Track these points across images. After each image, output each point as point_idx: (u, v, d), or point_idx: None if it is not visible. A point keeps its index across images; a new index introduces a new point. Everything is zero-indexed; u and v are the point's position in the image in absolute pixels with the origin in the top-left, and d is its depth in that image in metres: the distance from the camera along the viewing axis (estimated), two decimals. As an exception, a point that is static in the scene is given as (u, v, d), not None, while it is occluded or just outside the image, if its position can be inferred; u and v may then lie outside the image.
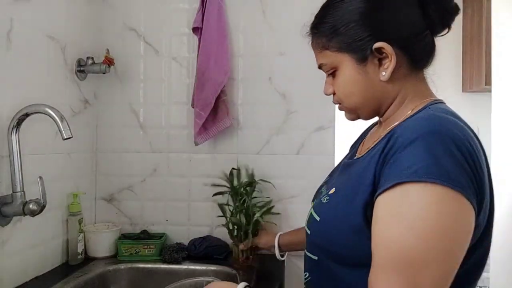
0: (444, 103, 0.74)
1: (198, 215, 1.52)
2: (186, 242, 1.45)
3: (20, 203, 0.99)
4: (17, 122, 0.99)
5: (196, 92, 1.43)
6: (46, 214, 1.09)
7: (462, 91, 2.82)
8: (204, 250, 1.38)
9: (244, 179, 1.44)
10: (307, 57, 1.49)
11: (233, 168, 1.45)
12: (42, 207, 1.01)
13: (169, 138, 1.53)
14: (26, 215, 1.00)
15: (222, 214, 1.36)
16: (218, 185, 1.43)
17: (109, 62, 1.40)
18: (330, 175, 0.92)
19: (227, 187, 1.40)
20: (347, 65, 0.71)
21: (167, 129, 1.53)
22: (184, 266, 1.33)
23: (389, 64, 0.68)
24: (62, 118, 0.98)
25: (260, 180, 1.43)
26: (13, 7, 1.05)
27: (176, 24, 1.53)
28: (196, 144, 1.45)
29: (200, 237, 1.45)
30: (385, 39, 0.68)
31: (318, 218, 0.74)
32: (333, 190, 0.74)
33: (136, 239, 1.41)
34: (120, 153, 1.53)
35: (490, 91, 1.81)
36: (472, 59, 2.68)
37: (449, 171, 0.56)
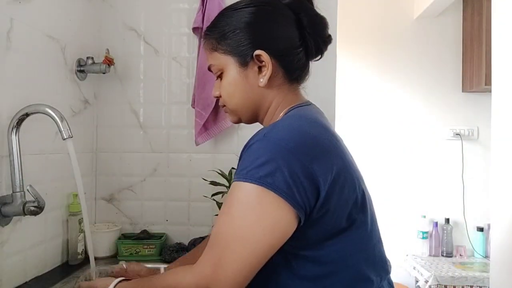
0: (307, 105, 0.83)
1: (198, 215, 1.52)
2: (186, 242, 1.45)
3: (20, 203, 0.99)
4: (17, 122, 0.99)
5: (196, 92, 1.43)
6: (46, 214, 1.09)
7: (462, 91, 2.83)
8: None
9: None
10: (307, 57, 1.49)
11: (232, 168, 1.43)
12: (41, 207, 1.01)
13: (169, 138, 1.53)
14: (26, 215, 1.00)
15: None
16: (217, 184, 1.41)
17: (109, 62, 1.40)
18: None
19: (225, 186, 1.38)
20: (231, 68, 0.80)
21: (167, 129, 1.53)
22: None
23: (266, 71, 0.78)
24: (62, 118, 0.98)
25: None
26: (13, 7, 1.05)
27: (176, 24, 1.53)
28: (197, 144, 1.45)
29: (200, 237, 1.45)
30: (264, 48, 0.77)
31: None
32: None
33: (136, 239, 1.41)
34: (120, 153, 1.53)
35: (490, 91, 1.81)
36: (472, 59, 2.69)
37: (263, 171, 0.66)
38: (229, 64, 0.80)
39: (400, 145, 2.88)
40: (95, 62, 1.40)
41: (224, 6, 1.47)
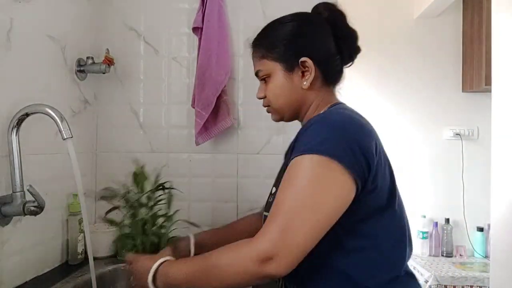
0: (344, 104, 0.95)
1: (198, 215, 1.51)
2: (186, 242, 1.45)
3: (20, 203, 0.99)
4: (17, 122, 0.99)
5: (196, 92, 1.43)
6: (46, 214, 1.09)
7: (462, 91, 2.82)
8: (205, 250, 1.38)
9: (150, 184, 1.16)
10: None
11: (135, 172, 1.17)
12: (41, 207, 1.01)
13: (169, 138, 1.53)
14: (26, 215, 1.00)
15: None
16: (107, 197, 1.17)
17: (109, 62, 1.40)
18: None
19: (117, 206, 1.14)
20: (278, 73, 0.91)
21: (167, 129, 1.53)
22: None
23: (309, 76, 0.89)
24: (62, 118, 0.98)
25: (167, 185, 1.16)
26: (13, 7, 1.05)
27: (176, 24, 1.53)
28: (197, 144, 1.45)
29: (200, 237, 1.44)
30: (308, 56, 0.89)
31: None
32: (273, 189, 0.92)
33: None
34: (120, 153, 1.53)
35: (490, 91, 1.81)
36: (472, 59, 2.69)
37: (325, 144, 0.74)
38: (277, 70, 0.91)
39: (400, 145, 2.88)
40: (95, 62, 1.40)
41: (224, 6, 1.48)
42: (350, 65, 0.99)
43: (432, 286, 2.36)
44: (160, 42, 1.53)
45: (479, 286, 2.35)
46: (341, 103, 0.95)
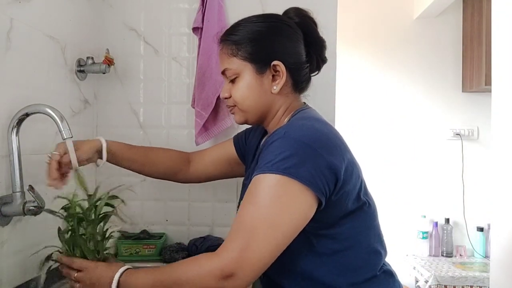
0: (308, 108, 0.94)
1: (198, 215, 1.52)
2: (186, 242, 1.45)
3: (20, 203, 0.99)
4: (17, 122, 0.99)
5: (196, 91, 1.43)
6: (46, 214, 1.09)
7: (462, 91, 2.83)
8: (205, 250, 1.38)
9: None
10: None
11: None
12: (41, 207, 1.01)
13: (169, 138, 1.53)
14: (26, 215, 1.00)
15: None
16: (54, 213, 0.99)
17: (109, 62, 1.40)
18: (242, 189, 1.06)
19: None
20: (248, 73, 0.89)
21: (167, 129, 1.53)
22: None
23: (280, 80, 0.89)
24: (62, 118, 0.98)
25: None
26: (13, 7, 1.05)
27: (176, 24, 1.53)
28: (197, 144, 1.45)
29: (201, 237, 1.45)
30: (281, 60, 0.88)
31: None
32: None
33: (136, 239, 1.41)
34: (120, 153, 1.53)
35: (490, 91, 1.81)
36: (472, 59, 2.69)
37: (287, 163, 0.75)
38: (246, 70, 0.89)
39: (400, 145, 2.88)
40: (95, 62, 1.40)
41: (224, 6, 1.48)
42: (316, 74, 0.99)
43: (432, 286, 2.37)
44: (160, 42, 1.53)
45: (479, 286, 2.35)
46: (304, 108, 0.94)
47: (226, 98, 0.95)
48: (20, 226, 1.08)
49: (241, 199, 0.94)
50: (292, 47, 0.90)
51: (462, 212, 2.80)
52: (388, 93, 2.91)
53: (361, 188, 0.85)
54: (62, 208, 0.98)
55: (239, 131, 1.50)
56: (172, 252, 1.35)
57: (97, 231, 0.96)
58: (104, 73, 1.40)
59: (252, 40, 0.88)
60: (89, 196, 0.98)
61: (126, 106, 1.53)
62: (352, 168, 0.82)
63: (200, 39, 1.44)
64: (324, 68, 1.48)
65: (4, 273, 1.02)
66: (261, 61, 0.88)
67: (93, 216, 0.96)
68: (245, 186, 0.97)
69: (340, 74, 1.73)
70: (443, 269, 2.47)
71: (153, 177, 1.25)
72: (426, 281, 2.40)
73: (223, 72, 0.93)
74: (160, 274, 0.81)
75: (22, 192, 1.00)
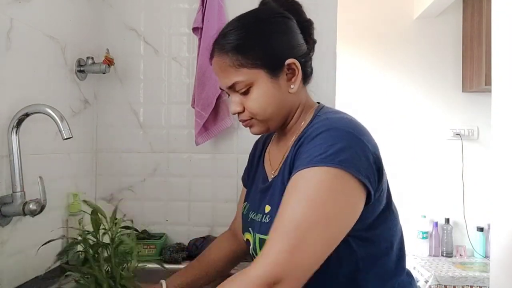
0: (324, 105, 0.89)
1: (198, 215, 1.52)
2: (186, 242, 1.45)
3: (20, 203, 0.99)
4: (17, 122, 0.99)
5: (196, 92, 1.43)
6: (46, 214, 1.09)
7: (462, 91, 2.83)
8: (204, 250, 1.38)
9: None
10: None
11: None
12: (42, 207, 1.01)
13: (169, 138, 1.53)
14: (26, 215, 1.00)
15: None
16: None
17: (109, 62, 1.40)
18: (248, 202, 0.96)
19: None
20: (263, 80, 0.80)
21: (167, 129, 1.53)
22: (184, 266, 1.33)
23: (296, 78, 0.82)
24: (62, 118, 0.98)
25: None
26: (13, 7, 1.05)
27: (176, 24, 1.53)
28: (197, 144, 1.45)
29: (201, 237, 1.45)
30: (293, 56, 0.81)
31: None
32: (268, 208, 0.82)
33: (136, 239, 1.41)
34: (120, 153, 1.53)
35: (490, 91, 1.81)
36: (472, 59, 2.69)
37: (341, 155, 0.68)
38: (260, 77, 0.80)
39: (400, 145, 2.88)
40: (95, 62, 1.40)
41: (224, 6, 1.48)
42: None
43: (432, 286, 2.37)
44: (160, 42, 1.53)
45: (479, 286, 2.35)
46: (322, 104, 0.89)
47: (237, 113, 0.85)
48: (20, 226, 1.08)
49: (254, 206, 0.89)
50: (295, 39, 0.83)
51: (462, 212, 2.80)
52: (388, 93, 2.91)
53: (388, 186, 0.81)
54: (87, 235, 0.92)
55: (239, 131, 1.50)
56: (172, 252, 1.35)
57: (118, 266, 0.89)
58: (104, 73, 1.40)
59: (258, 43, 0.79)
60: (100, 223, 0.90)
61: (126, 106, 1.53)
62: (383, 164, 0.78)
63: (200, 39, 1.44)
64: (324, 68, 1.49)
65: (4, 273, 1.02)
66: (274, 64, 0.80)
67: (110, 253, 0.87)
68: (264, 191, 0.88)
69: (340, 74, 1.73)
70: (443, 269, 2.47)
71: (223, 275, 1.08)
72: (426, 281, 2.40)
73: (230, 87, 0.82)
74: None
75: (22, 192, 1.00)
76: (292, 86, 0.82)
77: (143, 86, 1.53)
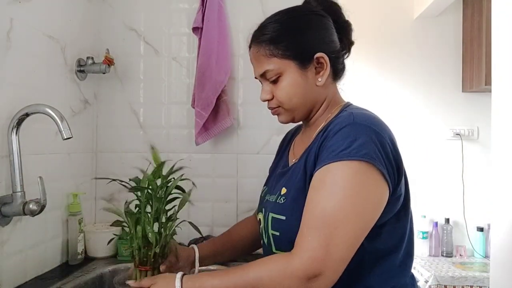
0: (351, 103, 0.92)
1: (198, 215, 1.51)
2: (186, 242, 1.45)
3: (20, 203, 0.99)
4: (17, 122, 0.99)
5: (196, 92, 1.43)
6: (46, 214, 1.09)
7: (462, 91, 2.83)
8: (204, 250, 1.38)
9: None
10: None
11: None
12: (42, 207, 1.01)
13: (169, 138, 1.53)
14: (26, 215, 1.00)
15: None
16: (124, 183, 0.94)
17: (109, 62, 1.39)
18: (267, 186, 1.01)
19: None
20: (292, 71, 0.84)
21: (167, 129, 1.53)
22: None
23: (324, 72, 0.85)
24: (62, 118, 0.98)
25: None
26: (13, 7, 1.05)
27: (176, 24, 1.53)
28: (197, 144, 1.45)
29: (201, 237, 1.44)
30: (322, 51, 0.85)
31: (283, 217, 0.83)
32: (284, 190, 0.86)
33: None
34: (120, 153, 1.53)
35: (490, 91, 1.81)
36: (472, 59, 2.69)
37: (365, 149, 0.71)
38: (289, 67, 0.84)
39: (400, 145, 2.88)
40: (95, 62, 1.40)
41: (224, 6, 1.48)
42: (347, 57, 0.97)
43: (432, 286, 2.37)
44: (160, 42, 1.53)
45: (479, 286, 2.35)
46: (350, 103, 0.92)
47: (267, 101, 0.90)
48: (20, 226, 1.08)
49: (272, 189, 0.92)
50: (328, 36, 0.87)
51: (462, 212, 2.80)
52: (388, 93, 2.91)
53: (407, 185, 0.83)
54: (131, 180, 0.94)
55: (239, 131, 1.50)
56: (172, 252, 1.35)
57: (164, 212, 0.92)
58: (104, 73, 1.40)
59: (291, 36, 0.84)
60: (162, 175, 0.92)
61: (126, 106, 1.53)
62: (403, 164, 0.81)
63: (200, 39, 1.44)
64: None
65: (4, 273, 1.02)
66: (304, 56, 0.84)
67: (163, 195, 0.92)
68: (282, 175, 0.91)
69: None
70: (443, 269, 2.47)
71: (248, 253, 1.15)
72: (426, 281, 2.40)
73: (262, 75, 0.87)
74: (236, 278, 0.75)
75: (22, 192, 1.00)
76: (319, 79, 0.85)
77: (143, 86, 1.53)
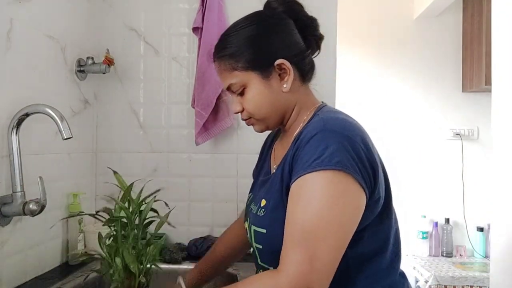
0: (326, 104, 0.91)
1: (198, 215, 1.52)
2: (186, 242, 1.45)
3: (20, 203, 0.99)
4: (17, 122, 0.99)
5: (196, 92, 1.43)
6: (46, 214, 1.09)
7: (462, 91, 2.83)
8: (206, 250, 1.38)
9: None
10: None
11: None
12: (42, 207, 1.01)
13: (169, 138, 1.53)
14: (26, 215, 1.00)
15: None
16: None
17: (109, 62, 1.40)
18: (252, 193, 1.00)
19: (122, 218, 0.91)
20: (255, 82, 0.84)
21: (167, 129, 1.53)
22: (184, 266, 1.33)
23: (288, 78, 0.84)
24: (62, 118, 0.98)
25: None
26: (13, 7, 1.05)
27: (176, 24, 1.53)
28: (197, 144, 1.46)
29: (201, 237, 1.45)
30: (282, 57, 0.83)
31: (264, 231, 0.82)
32: (263, 202, 0.85)
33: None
34: (120, 153, 1.53)
35: (490, 91, 1.81)
36: (472, 59, 2.69)
37: (337, 157, 0.70)
38: (252, 79, 0.84)
39: (400, 145, 2.88)
40: (95, 62, 1.41)
41: (224, 6, 1.48)
42: (317, 54, 0.94)
43: (432, 286, 2.36)
44: (160, 42, 1.53)
45: (479, 286, 2.35)
46: (324, 104, 0.91)
47: (237, 113, 0.90)
48: (20, 226, 1.08)
49: (255, 198, 0.91)
50: (289, 39, 0.86)
51: (462, 212, 2.80)
52: (388, 93, 2.91)
53: (389, 188, 0.83)
54: (103, 211, 0.91)
55: (239, 131, 1.50)
56: (172, 252, 1.35)
57: (141, 237, 0.89)
58: (104, 73, 1.40)
59: (248, 47, 0.84)
60: (131, 199, 0.90)
61: (126, 106, 1.53)
62: (381, 166, 0.80)
63: (200, 39, 1.44)
64: (324, 68, 1.48)
65: (4, 273, 1.02)
66: (263, 65, 0.83)
67: (137, 221, 0.89)
68: (263, 183, 0.91)
69: (340, 74, 1.73)
70: (443, 269, 2.47)
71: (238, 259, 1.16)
72: (426, 281, 2.40)
73: (228, 88, 0.88)
74: None
75: (22, 192, 1.00)
76: (285, 86, 0.85)
77: (143, 86, 1.53)
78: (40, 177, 1.01)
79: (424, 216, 2.79)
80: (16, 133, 1.00)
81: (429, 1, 2.58)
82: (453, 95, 2.84)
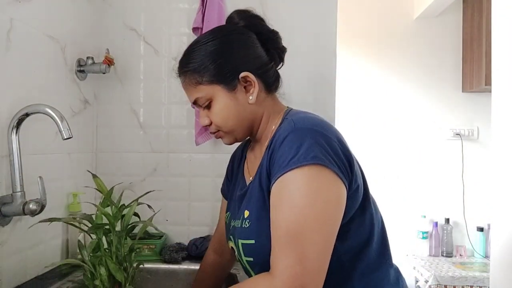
0: (292, 108, 0.92)
1: (198, 215, 1.52)
2: (186, 242, 1.45)
3: (20, 203, 0.99)
4: (17, 122, 0.99)
5: (196, 92, 1.43)
6: (46, 214, 1.09)
7: (462, 91, 2.83)
8: (205, 250, 1.38)
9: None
10: (306, 57, 1.49)
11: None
12: (42, 207, 1.01)
13: (169, 138, 1.53)
14: (26, 215, 1.00)
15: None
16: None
17: (109, 62, 1.40)
18: (229, 211, 0.99)
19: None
20: (220, 95, 0.85)
21: (167, 129, 1.53)
22: (184, 266, 1.33)
23: (254, 90, 0.86)
24: (62, 118, 0.98)
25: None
26: (13, 7, 1.05)
27: (176, 24, 1.53)
28: (197, 144, 1.46)
29: (201, 237, 1.45)
30: (246, 69, 0.85)
31: (253, 241, 0.82)
32: (247, 213, 0.84)
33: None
34: (120, 153, 1.53)
35: (490, 91, 1.81)
36: (472, 59, 2.69)
37: (312, 152, 0.71)
38: (217, 92, 0.85)
39: (400, 145, 2.88)
40: (95, 62, 1.40)
41: (224, 6, 1.48)
42: (281, 66, 0.96)
43: (432, 286, 2.37)
44: (160, 42, 1.53)
45: (479, 286, 2.35)
46: (290, 108, 0.92)
47: (206, 126, 0.91)
48: (20, 226, 1.08)
49: (235, 214, 0.91)
50: (251, 53, 0.88)
51: (462, 212, 2.80)
52: (388, 93, 2.91)
53: (365, 180, 0.83)
54: (84, 219, 0.90)
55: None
56: (172, 252, 1.35)
57: (124, 244, 0.87)
58: (104, 73, 1.40)
59: (212, 62, 0.85)
60: (113, 203, 0.87)
61: (126, 106, 1.53)
62: (355, 159, 0.81)
63: (200, 39, 1.44)
64: (324, 68, 1.49)
65: (4, 273, 1.02)
66: (228, 79, 0.85)
67: (119, 227, 0.87)
68: (242, 197, 0.91)
69: (340, 74, 1.73)
70: (443, 269, 2.47)
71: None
72: (426, 281, 2.40)
73: (194, 102, 0.89)
74: None
75: (22, 192, 1.00)
76: (250, 97, 0.86)
77: (143, 86, 1.53)
78: (40, 177, 1.01)
79: (424, 216, 2.79)
80: (16, 133, 0.99)
81: (429, 1, 2.59)
82: (453, 95, 2.85)
